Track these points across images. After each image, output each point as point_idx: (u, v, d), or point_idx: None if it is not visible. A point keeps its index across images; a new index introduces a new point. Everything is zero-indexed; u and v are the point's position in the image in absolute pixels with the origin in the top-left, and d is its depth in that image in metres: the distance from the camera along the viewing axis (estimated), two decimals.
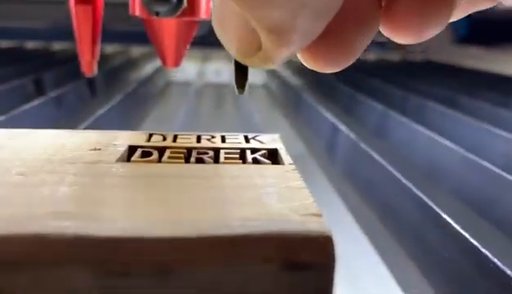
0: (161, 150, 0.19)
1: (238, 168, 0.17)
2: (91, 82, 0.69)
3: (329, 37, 0.12)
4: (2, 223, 0.12)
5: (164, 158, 0.18)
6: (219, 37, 0.12)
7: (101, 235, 0.11)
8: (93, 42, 0.29)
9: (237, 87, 0.15)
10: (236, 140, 0.20)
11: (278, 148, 0.19)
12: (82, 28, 0.29)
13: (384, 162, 0.39)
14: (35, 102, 0.50)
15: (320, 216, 0.13)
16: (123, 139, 0.20)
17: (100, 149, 0.18)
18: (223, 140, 0.20)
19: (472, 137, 0.48)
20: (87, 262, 0.11)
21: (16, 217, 0.12)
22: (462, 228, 0.29)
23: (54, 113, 0.55)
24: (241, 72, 0.15)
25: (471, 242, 0.28)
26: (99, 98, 0.71)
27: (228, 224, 0.12)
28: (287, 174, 0.16)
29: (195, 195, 0.14)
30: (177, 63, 0.30)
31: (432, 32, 0.12)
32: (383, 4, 0.12)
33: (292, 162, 0.18)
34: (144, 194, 0.14)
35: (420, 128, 0.48)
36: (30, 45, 1.22)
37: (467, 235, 0.28)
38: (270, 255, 0.11)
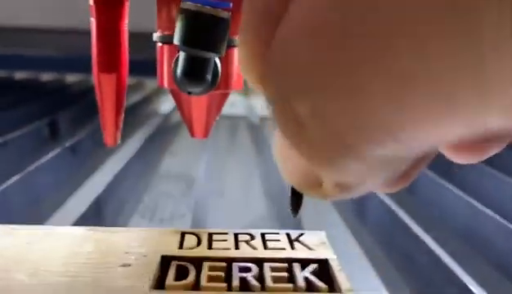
0: (198, 263, 0.16)
1: None
2: None
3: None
4: None
5: (203, 279, 0.15)
6: (278, 164, 0.12)
7: None
8: (117, 113, 0.28)
9: (292, 211, 0.14)
10: (279, 242, 0.18)
11: (329, 259, 0.17)
12: (105, 97, 0.27)
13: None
14: (50, 153, 0.49)
15: None
16: (153, 243, 0.18)
17: (130, 265, 0.16)
18: (264, 242, 0.18)
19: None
20: None
21: None
22: None
23: (69, 160, 0.54)
24: (297, 198, 0.13)
25: None
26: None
27: None
28: None
29: None
30: (205, 134, 0.28)
31: (493, 151, 0.11)
32: None
33: (348, 283, 0.16)
34: None
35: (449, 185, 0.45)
36: (45, 77, 1.22)
37: None
38: None
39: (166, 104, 1.05)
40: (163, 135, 0.79)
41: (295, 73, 0.09)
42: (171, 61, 0.24)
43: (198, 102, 0.26)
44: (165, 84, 0.25)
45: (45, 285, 0.14)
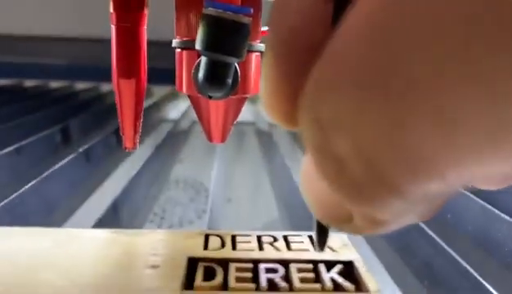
0: (224, 265, 0.17)
1: None
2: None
3: None
4: None
5: (231, 280, 0.16)
6: (303, 194, 0.11)
7: None
8: (136, 117, 0.28)
9: (318, 246, 0.14)
10: (302, 244, 0.18)
11: (354, 260, 0.17)
12: (124, 102, 0.27)
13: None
14: (64, 160, 0.49)
15: None
16: (180, 245, 0.18)
17: (158, 267, 0.16)
18: (287, 244, 0.18)
19: None
20: None
21: None
22: None
23: (83, 164, 0.54)
24: (323, 232, 0.14)
25: None
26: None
27: None
28: None
29: None
30: (223, 139, 0.28)
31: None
32: None
33: (374, 282, 0.16)
34: None
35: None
36: (54, 84, 1.23)
37: None
38: None
39: (174, 112, 1.06)
40: (172, 141, 0.79)
41: (336, 108, 0.08)
42: (190, 67, 0.24)
43: (216, 107, 0.26)
44: (184, 89, 0.25)
45: (74, 286, 0.15)
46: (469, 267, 0.32)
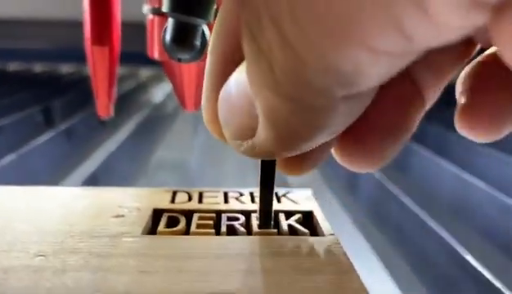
0: (188, 214, 0.17)
1: (274, 243, 0.15)
2: None
3: (363, 145, 0.12)
4: None
5: (192, 226, 0.16)
6: (220, 114, 0.12)
7: None
8: (110, 84, 0.28)
9: (261, 221, 0.15)
10: None
11: (313, 210, 0.18)
12: (98, 69, 0.28)
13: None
14: (45, 137, 0.49)
15: None
16: (146, 200, 0.18)
17: (123, 216, 0.17)
18: (253, 198, 0.19)
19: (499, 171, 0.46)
20: None
21: None
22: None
23: (64, 143, 0.54)
24: (266, 205, 0.15)
25: None
26: (108, 128, 0.70)
27: None
28: (331, 249, 0.15)
29: (234, 284, 0.12)
30: (197, 106, 0.28)
31: (510, 130, 0.12)
32: (460, 102, 0.12)
33: (331, 230, 0.16)
34: (175, 284, 0.12)
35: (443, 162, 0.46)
36: (38, 67, 1.22)
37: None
38: None
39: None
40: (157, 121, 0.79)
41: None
42: (161, 33, 0.25)
43: (188, 73, 0.26)
44: (156, 55, 0.26)
45: (36, 231, 0.15)
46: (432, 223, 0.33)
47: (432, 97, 0.12)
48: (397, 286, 0.33)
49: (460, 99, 0.12)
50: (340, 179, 0.51)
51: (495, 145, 0.51)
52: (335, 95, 0.09)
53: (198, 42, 0.22)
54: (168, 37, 0.22)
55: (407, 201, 0.38)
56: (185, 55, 0.22)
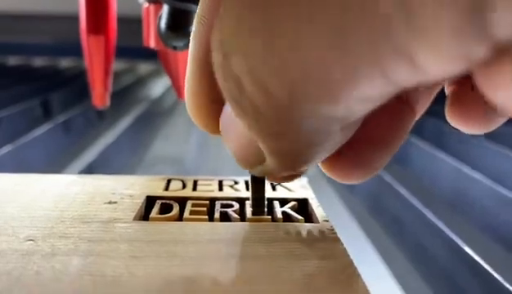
0: (181, 202, 0.17)
1: (268, 229, 0.15)
2: None
3: (350, 160, 0.12)
4: None
5: (186, 212, 0.16)
6: (223, 140, 0.12)
7: None
8: (105, 74, 0.28)
9: (253, 207, 0.15)
10: None
11: (309, 197, 0.18)
12: (94, 58, 0.28)
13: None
14: (43, 128, 0.49)
15: None
16: (140, 187, 0.18)
17: (116, 203, 0.17)
18: (247, 186, 0.19)
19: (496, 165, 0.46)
20: None
21: None
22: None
23: (62, 136, 0.54)
24: (258, 192, 0.15)
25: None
26: (107, 119, 0.70)
27: None
28: (325, 235, 0.14)
29: (224, 271, 0.12)
30: None
31: (500, 122, 0.12)
32: (449, 96, 0.12)
33: (326, 217, 0.16)
34: (166, 269, 0.12)
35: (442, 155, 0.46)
36: (37, 62, 1.22)
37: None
38: None
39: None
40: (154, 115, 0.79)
41: (231, 28, 0.08)
42: (156, 20, 0.24)
43: (184, 61, 0.26)
44: (152, 44, 0.26)
45: (33, 217, 0.15)
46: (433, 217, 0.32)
47: (422, 108, 0.12)
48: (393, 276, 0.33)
49: (449, 89, 0.12)
50: None
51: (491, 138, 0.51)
52: (332, 129, 0.09)
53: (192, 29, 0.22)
54: (163, 24, 0.22)
55: (404, 192, 0.38)
56: (180, 43, 0.22)
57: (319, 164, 0.12)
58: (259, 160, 0.11)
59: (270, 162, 0.11)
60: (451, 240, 0.31)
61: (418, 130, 0.60)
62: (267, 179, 0.14)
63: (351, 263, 0.13)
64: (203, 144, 0.59)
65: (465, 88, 0.12)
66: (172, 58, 0.27)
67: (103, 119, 0.68)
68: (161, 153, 0.61)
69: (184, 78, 0.28)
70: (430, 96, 0.13)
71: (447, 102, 0.12)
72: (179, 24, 0.21)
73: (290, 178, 0.13)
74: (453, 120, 0.12)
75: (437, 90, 0.13)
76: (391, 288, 0.32)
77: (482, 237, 0.37)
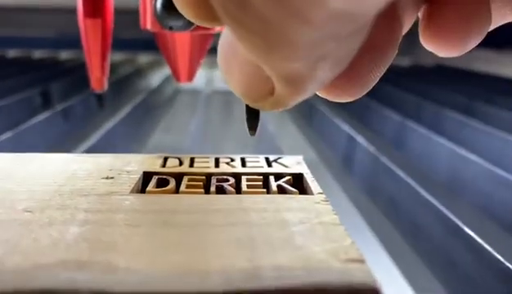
0: (178, 177, 0.17)
1: (263, 199, 0.15)
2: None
3: (343, 71, 0.11)
4: (7, 275, 0.10)
5: (182, 187, 0.16)
6: (225, 78, 0.11)
7: (117, 290, 0.10)
8: (103, 57, 0.28)
9: (249, 129, 0.14)
10: (257, 163, 0.19)
11: (304, 172, 0.18)
12: (91, 42, 0.28)
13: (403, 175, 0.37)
14: (43, 116, 0.49)
15: (363, 261, 0.11)
16: (137, 164, 0.18)
17: (113, 178, 0.17)
18: (243, 163, 0.19)
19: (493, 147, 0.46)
20: None
21: (23, 268, 0.11)
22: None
23: (62, 127, 0.54)
24: (253, 114, 0.13)
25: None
26: (107, 109, 0.70)
27: (260, 274, 0.11)
28: (318, 206, 0.15)
29: (220, 236, 0.13)
30: (190, 78, 0.28)
31: (475, 42, 0.12)
32: (422, 16, 0.12)
33: (320, 190, 0.16)
34: (162, 236, 0.12)
35: (439, 139, 0.46)
36: (37, 54, 1.22)
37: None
38: None
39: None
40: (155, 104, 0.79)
41: None
42: (152, 1, 0.25)
43: (181, 43, 0.26)
44: (148, 26, 0.26)
45: (31, 191, 0.15)
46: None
47: (408, 23, 0.12)
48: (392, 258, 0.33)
49: (422, 11, 0.12)
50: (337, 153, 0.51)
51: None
52: (342, 32, 0.09)
53: None
54: (158, 4, 0.22)
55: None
56: (176, 22, 0.22)
57: None
58: (268, 89, 0.10)
59: (279, 89, 0.10)
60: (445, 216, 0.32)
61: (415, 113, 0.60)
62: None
63: (343, 230, 0.13)
64: (202, 134, 0.59)
65: (439, 6, 0.12)
66: (170, 40, 0.27)
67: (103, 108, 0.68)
68: (160, 142, 0.61)
69: (181, 60, 0.28)
70: (416, 11, 0.12)
71: (421, 24, 0.12)
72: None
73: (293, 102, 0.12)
74: (427, 41, 0.12)
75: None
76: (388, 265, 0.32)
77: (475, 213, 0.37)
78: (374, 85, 0.12)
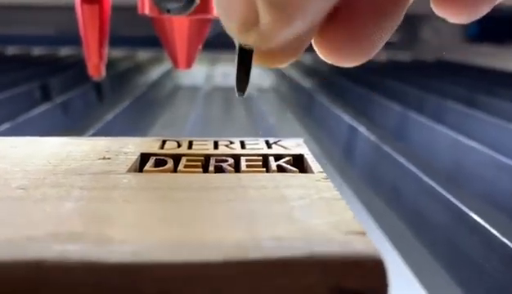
0: (176, 158, 0.17)
1: (262, 177, 0.15)
2: (98, 87, 0.68)
3: (346, 30, 0.11)
4: None
5: (180, 166, 0.16)
6: (215, 5, 0.11)
7: (111, 261, 0.10)
8: (100, 44, 0.28)
9: (237, 89, 0.14)
10: (257, 145, 0.19)
11: (304, 153, 0.18)
12: (88, 28, 0.27)
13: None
14: (42, 108, 0.49)
15: (364, 234, 0.11)
16: (135, 146, 0.18)
17: (110, 159, 0.17)
18: (243, 145, 0.19)
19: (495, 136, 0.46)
20: (95, 291, 0.10)
21: (14, 240, 0.10)
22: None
23: (61, 120, 0.54)
24: (243, 73, 0.13)
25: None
26: (106, 104, 0.70)
27: (259, 244, 0.10)
28: (318, 184, 0.14)
29: (218, 210, 0.12)
30: (188, 64, 0.28)
31: (487, 7, 0.11)
32: None
33: (321, 169, 0.16)
34: (158, 210, 0.12)
35: (441, 129, 0.46)
36: (37, 51, 1.22)
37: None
38: (311, 282, 0.10)
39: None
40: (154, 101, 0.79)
41: None
42: None
43: (180, 28, 0.26)
44: (147, 11, 0.25)
45: (26, 171, 0.15)
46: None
47: None
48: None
49: None
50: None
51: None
52: None
53: None
54: None
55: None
56: (173, 5, 0.22)
57: (313, 44, 0.12)
58: (253, 17, 0.10)
59: (264, 16, 0.10)
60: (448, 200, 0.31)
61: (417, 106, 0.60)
62: (260, 59, 0.12)
63: (345, 204, 0.13)
64: (201, 130, 0.59)
65: None
66: (168, 25, 0.27)
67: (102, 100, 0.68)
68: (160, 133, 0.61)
69: (180, 46, 0.28)
70: None
71: None
72: None
73: (286, 57, 0.12)
74: (438, 6, 0.11)
75: None
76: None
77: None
78: (378, 50, 0.12)
